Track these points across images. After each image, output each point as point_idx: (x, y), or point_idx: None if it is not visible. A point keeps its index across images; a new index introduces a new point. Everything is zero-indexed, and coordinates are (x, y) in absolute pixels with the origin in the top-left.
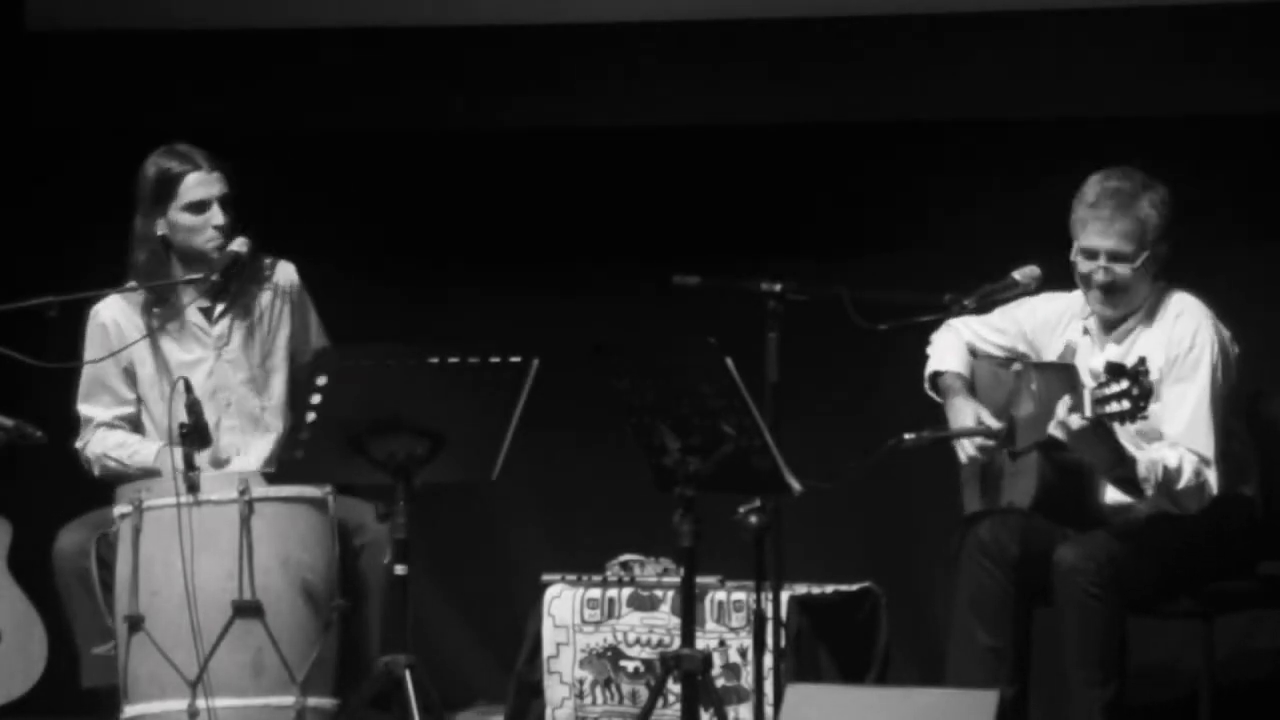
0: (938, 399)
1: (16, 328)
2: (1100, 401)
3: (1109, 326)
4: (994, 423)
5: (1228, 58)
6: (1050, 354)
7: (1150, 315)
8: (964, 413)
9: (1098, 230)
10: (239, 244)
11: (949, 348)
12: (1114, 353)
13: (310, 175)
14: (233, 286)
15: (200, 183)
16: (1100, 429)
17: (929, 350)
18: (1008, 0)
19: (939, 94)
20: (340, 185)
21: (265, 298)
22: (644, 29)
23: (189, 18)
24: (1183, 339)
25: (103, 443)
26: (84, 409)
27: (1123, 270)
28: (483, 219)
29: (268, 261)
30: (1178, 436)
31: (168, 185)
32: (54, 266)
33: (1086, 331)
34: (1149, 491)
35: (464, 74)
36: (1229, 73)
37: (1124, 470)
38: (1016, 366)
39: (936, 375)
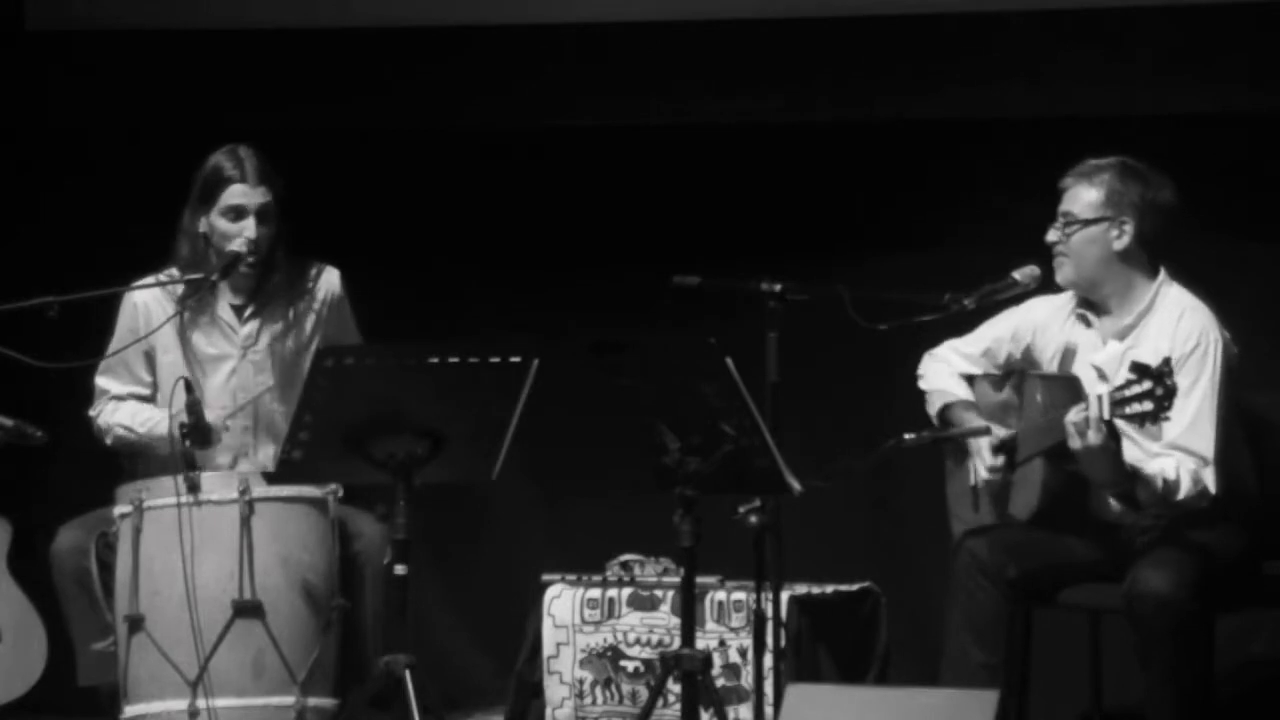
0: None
1: (19, 327)
2: (1121, 402)
3: (1108, 321)
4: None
5: (1228, 58)
6: (1048, 353)
7: (1151, 311)
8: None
9: (1062, 199)
10: (238, 244)
11: (945, 376)
12: (1116, 349)
13: (310, 174)
14: (268, 286)
15: (241, 194)
16: (1111, 445)
17: (922, 385)
18: (1007, 0)
19: (939, 94)
20: (338, 184)
21: (302, 304)
22: (645, 29)
23: (188, 18)
24: (1189, 337)
25: (115, 414)
26: (100, 380)
27: (1071, 231)
28: (481, 219)
29: (313, 270)
30: (1177, 436)
31: (212, 188)
32: (55, 266)
33: (1090, 324)
34: (1147, 505)
35: (462, 73)
36: (1229, 73)
37: (1124, 486)
38: (1008, 392)
39: (946, 409)
